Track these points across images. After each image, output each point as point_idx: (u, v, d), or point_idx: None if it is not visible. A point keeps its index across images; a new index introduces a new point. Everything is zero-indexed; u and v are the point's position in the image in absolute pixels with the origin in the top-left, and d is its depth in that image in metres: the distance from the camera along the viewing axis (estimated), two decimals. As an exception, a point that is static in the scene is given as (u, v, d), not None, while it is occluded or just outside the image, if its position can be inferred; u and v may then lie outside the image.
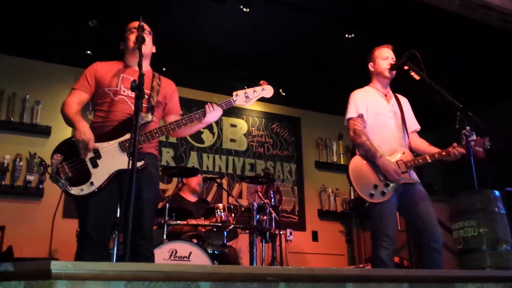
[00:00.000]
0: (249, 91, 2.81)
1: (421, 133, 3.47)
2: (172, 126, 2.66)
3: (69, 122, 2.64)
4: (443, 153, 3.12)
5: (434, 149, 3.22)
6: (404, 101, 3.46)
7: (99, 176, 2.53)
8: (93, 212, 2.51)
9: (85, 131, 2.54)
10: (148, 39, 2.84)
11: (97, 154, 2.56)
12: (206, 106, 2.72)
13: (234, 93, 2.80)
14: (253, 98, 2.83)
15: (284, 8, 4.69)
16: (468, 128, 2.98)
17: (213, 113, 2.73)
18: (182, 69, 5.62)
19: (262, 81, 2.88)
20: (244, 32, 5.09)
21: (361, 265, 5.20)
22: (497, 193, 2.71)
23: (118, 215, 2.90)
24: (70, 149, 2.54)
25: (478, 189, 2.77)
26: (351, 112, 3.26)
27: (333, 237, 6.55)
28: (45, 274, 1.33)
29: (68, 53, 5.39)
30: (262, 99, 6.45)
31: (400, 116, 3.31)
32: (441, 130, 6.54)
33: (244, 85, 2.93)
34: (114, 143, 2.58)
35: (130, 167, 2.09)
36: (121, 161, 2.55)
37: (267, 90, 2.87)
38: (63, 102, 2.73)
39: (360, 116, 3.23)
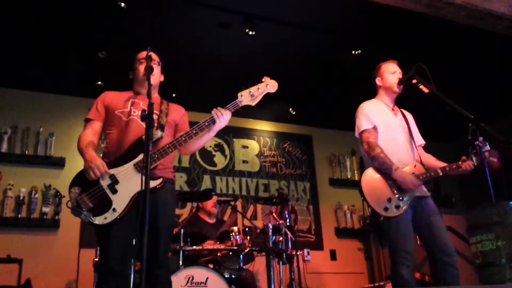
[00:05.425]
0: (253, 89, 2.74)
1: (436, 144, 3.43)
2: (183, 138, 2.61)
3: (81, 155, 2.64)
4: (453, 166, 3.09)
5: (441, 164, 3.19)
6: (409, 116, 3.45)
7: (120, 201, 2.51)
8: (114, 241, 2.49)
9: (92, 159, 2.55)
10: (157, 69, 2.87)
11: (114, 180, 2.55)
12: (213, 111, 2.65)
13: (239, 94, 2.72)
14: (258, 96, 2.75)
15: (288, 28, 4.73)
16: (481, 139, 2.95)
17: (222, 118, 2.63)
18: (191, 93, 5.65)
19: (264, 77, 2.80)
20: (251, 53, 5.12)
21: (382, 283, 5.10)
22: (513, 204, 2.65)
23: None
24: (86, 180, 2.54)
25: (494, 202, 2.72)
26: (364, 124, 3.22)
27: (351, 255, 6.45)
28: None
29: (79, 85, 5.48)
30: (272, 119, 6.63)
31: (407, 130, 3.29)
32: (456, 141, 6.50)
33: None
34: (129, 165, 2.58)
35: (143, 187, 2.08)
36: (139, 182, 2.51)
37: (271, 85, 2.78)
38: (78, 136, 2.75)
39: (375, 128, 3.20)
